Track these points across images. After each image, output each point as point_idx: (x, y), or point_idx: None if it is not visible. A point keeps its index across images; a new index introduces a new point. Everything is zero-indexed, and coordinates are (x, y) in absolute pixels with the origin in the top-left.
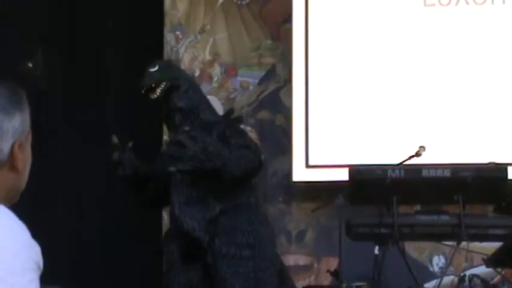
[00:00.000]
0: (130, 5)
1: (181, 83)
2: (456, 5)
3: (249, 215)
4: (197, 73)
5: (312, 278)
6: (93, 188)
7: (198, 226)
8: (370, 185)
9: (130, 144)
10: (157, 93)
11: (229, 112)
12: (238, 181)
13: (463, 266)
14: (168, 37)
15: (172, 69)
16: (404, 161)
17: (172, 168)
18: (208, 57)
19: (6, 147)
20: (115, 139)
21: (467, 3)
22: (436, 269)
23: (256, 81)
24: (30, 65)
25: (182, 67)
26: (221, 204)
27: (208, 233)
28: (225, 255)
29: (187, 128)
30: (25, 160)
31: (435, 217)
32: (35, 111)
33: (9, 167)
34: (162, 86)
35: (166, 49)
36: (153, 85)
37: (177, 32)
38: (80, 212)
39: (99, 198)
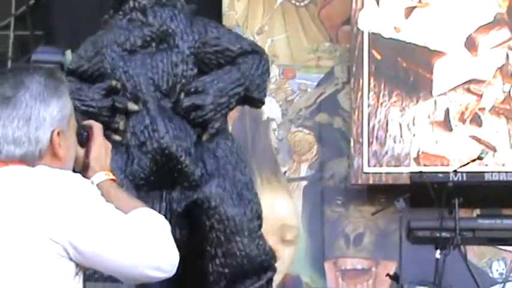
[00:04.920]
0: None
1: None
2: None
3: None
4: None
5: (370, 282)
6: None
7: (186, 150)
8: (431, 188)
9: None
10: None
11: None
12: None
13: None
14: None
15: None
16: (465, 164)
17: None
18: None
19: (45, 136)
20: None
21: None
22: (496, 275)
23: (315, 83)
24: None
25: None
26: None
27: (194, 159)
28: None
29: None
30: (67, 147)
31: (498, 221)
32: None
33: (51, 155)
34: None
35: None
36: None
37: None
38: None
39: None
